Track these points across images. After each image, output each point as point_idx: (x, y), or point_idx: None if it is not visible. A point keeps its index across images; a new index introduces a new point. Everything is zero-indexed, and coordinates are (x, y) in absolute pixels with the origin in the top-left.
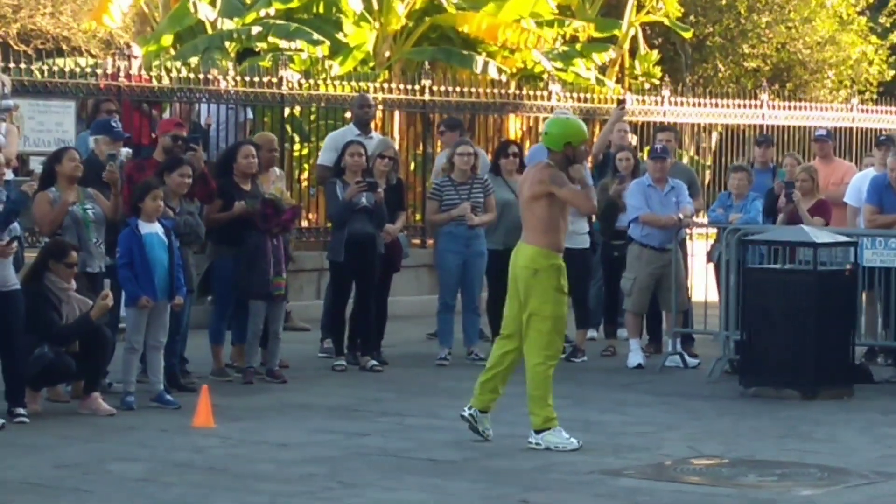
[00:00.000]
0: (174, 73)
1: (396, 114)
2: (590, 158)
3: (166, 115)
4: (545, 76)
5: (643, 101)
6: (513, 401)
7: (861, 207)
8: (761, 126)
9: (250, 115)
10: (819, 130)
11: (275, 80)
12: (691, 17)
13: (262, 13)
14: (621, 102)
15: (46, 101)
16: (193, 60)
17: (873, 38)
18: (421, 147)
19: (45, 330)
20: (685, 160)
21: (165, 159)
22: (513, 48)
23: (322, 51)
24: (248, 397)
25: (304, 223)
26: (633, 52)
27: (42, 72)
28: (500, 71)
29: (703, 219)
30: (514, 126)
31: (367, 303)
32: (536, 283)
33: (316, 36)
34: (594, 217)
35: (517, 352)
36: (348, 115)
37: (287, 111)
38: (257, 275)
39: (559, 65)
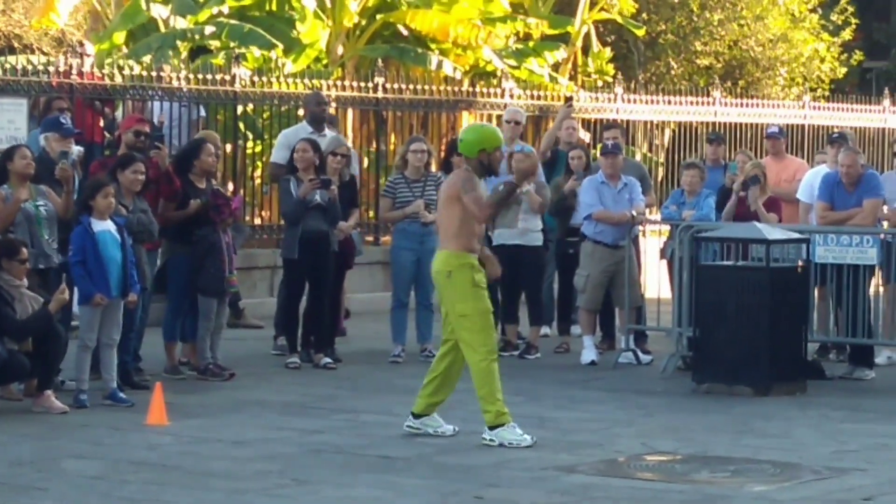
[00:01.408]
0: (126, 71)
1: (350, 111)
2: (539, 155)
3: (118, 113)
4: (499, 73)
5: (596, 99)
6: (464, 396)
7: (812, 204)
8: (714, 123)
9: (203, 113)
10: (771, 128)
11: (227, 77)
12: (644, 15)
13: (215, 10)
14: (568, 100)
15: None
16: (146, 59)
17: (825, 36)
18: (374, 144)
19: (1, 326)
20: (638, 157)
21: (118, 157)
22: (465, 45)
23: (276, 53)
24: (201, 395)
25: (258, 220)
26: (586, 49)
27: None
28: (454, 68)
29: (655, 215)
30: (468, 123)
31: (321, 300)
32: (451, 285)
33: (269, 39)
34: (545, 214)
35: (455, 354)
36: (301, 112)
37: (240, 109)
38: (213, 272)
39: (512, 62)
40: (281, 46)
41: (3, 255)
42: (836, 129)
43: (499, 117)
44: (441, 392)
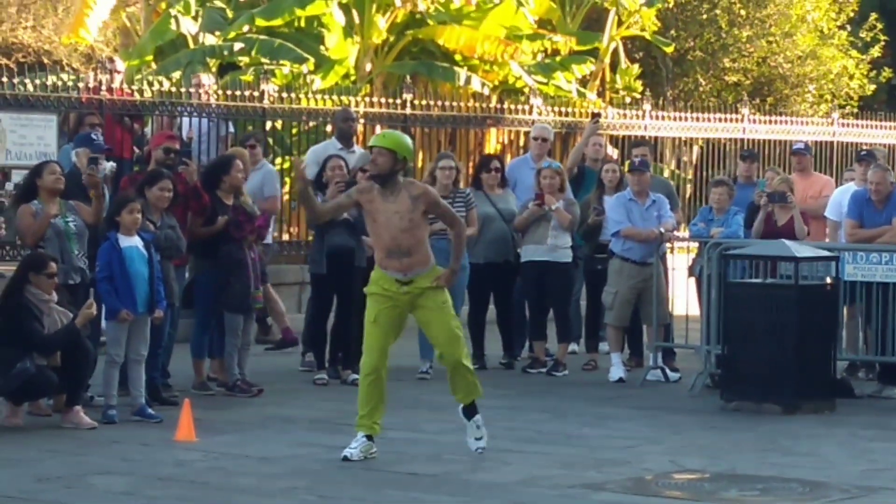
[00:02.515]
0: (156, 87)
1: (378, 127)
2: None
3: (148, 129)
4: (526, 90)
5: (624, 115)
6: (492, 413)
7: (841, 222)
8: (742, 140)
9: (231, 129)
10: (797, 144)
11: (256, 93)
12: (672, 32)
13: (245, 28)
14: (595, 116)
15: (28, 115)
16: (176, 75)
17: (854, 53)
18: None
19: (28, 340)
20: (666, 174)
21: (146, 173)
22: (492, 61)
23: (307, 67)
24: (229, 411)
25: (286, 236)
26: (614, 66)
27: (24, 85)
28: (482, 84)
29: (683, 233)
30: (495, 140)
31: (349, 316)
32: None
33: (299, 53)
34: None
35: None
36: (329, 128)
37: (268, 125)
38: (239, 288)
39: (540, 78)
40: (312, 60)
41: (31, 269)
42: (864, 147)
43: (526, 133)
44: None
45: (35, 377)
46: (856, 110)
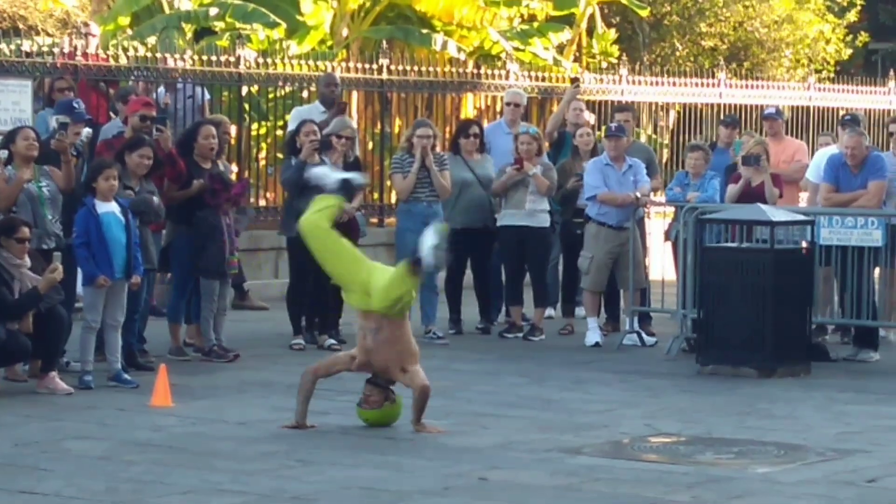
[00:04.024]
0: (131, 52)
1: (354, 93)
2: (545, 136)
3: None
4: (503, 55)
5: (601, 80)
6: (469, 378)
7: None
8: (719, 105)
9: (208, 96)
10: (768, 108)
11: (232, 59)
12: None
13: None
14: (575, 80)
15: (3, 80)
16: (151, 39)
17: (830, 17)
18: (378, 126)
19: None
20: (643, 139)
21: (126, 139)
22: (469, 26)
23: (279, 32)
24: (206, 376)
25: (262, 202)
26: (591, 30)
27: None
28: (458, 49)
29: (660, 197)
30: (472, 105)
31: (325, 282)
32: None
33: (273, 18)
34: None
35: None
36: (305, 94)
37: (244, 90)
38: (214, 254)
39: (517, 43)
40: (284, 26)
41: (1, 233)
42: (846, 111)
43: (503, 99)
44: None
45: (7, 343)
46: (832, 75)
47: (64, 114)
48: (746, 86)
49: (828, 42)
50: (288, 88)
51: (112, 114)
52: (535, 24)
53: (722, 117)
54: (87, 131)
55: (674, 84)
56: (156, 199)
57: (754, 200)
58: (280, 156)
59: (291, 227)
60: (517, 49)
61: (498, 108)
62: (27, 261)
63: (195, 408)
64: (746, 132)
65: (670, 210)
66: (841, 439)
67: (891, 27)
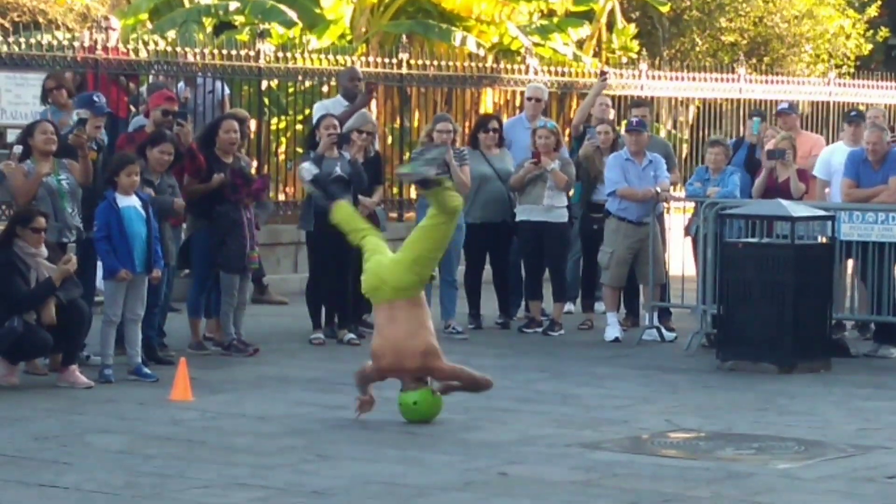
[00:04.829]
0: (151, 46)
1: None
2: (569, 130)
3: (143, 89)
4: (522, 50)
5: (621, 75)
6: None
7: (829, 181)
8: (738, 100)
9: (227, 91)
10: (781, 104)
11: (252, 53)
12: None
13: None
14: (603, 74)
15: (24, 74)
16: (171, 34)
17: (851, 12)
18: (398, 121)
19: (9, 296)
20: (662, 134)
21: (149, 134)
22: (488, 21)
23: (294, 32)
24: (225, 370)
25: (282, 196)
26: (611, 26)
27: (19, 44)
28: (478, 44)
29: (680, 192)
30: (491, 100)
31: (344, 276)
32: None
33: (290, 16)
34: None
35: None
36: (325, 88)
37: (264, 84)
38: (235, 248)
39: (536, 38)
40: (300, 25)
41: (18, 223)
42: (855, 107)
43: (522, 94)
44: None
45: (25, 336)
46: (852, 70)
47: (84, 107)
48: (766, 81)
49: (848, 37)
50: (308, 83)
51: (132, 107)
52: (555, 20)
53: (748, 111)
54: (77, 112)
55: (693, 79)
56: (176, 199)
57: (780, 195)
58: (300, 150)
59: (308, 222)
60: (537, 44)
61: (517, 104)
62: (43, 250)
63: (215, 402)
64: (771, 127)
65: (690, 205)
66: (861, 435)
67: None
